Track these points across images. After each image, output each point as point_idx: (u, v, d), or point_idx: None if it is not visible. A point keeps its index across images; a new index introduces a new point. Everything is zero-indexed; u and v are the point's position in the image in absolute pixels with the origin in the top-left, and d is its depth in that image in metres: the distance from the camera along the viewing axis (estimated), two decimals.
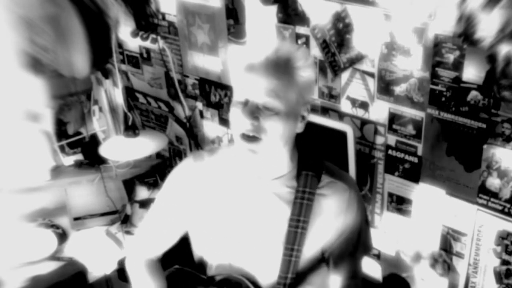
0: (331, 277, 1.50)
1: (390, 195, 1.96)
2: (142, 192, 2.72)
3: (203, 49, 2.38)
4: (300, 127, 1.39)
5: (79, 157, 2.75)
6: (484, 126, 1.63)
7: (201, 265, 1.56)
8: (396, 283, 2.02)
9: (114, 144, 2.43)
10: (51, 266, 2.27)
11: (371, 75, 1.85)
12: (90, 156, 2.72)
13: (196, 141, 2.63)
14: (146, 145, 2.37)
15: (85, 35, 2.28)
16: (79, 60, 2.32)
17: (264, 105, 1.30)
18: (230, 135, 2.43)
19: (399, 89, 1.79)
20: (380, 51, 1.79)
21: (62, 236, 2.47)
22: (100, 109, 2.79)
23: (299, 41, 1.99)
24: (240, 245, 1.47)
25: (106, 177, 2.65)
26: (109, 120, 2.82)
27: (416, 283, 1.98)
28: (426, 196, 1.86)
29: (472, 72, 1.60)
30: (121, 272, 2.31)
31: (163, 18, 2.48)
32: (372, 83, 1.85)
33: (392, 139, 1.88)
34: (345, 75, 1.92)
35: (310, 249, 1.44)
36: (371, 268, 2.08)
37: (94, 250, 2.42)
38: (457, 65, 1.63)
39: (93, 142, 2.75)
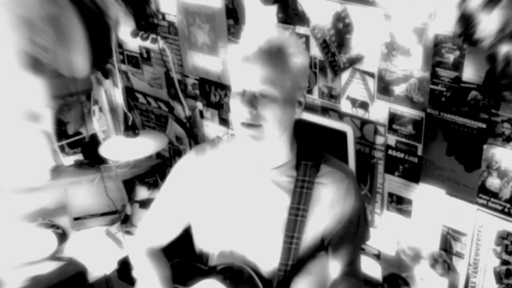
0: (330, 264, 1.52)
1: (390, 195, 1.96)
2: (142, 192, 2.73)
3: (203, 49, 2.38)
4: (298, 113, 1.44)
5: (79, 157, 2.75)
6: (484, 126, 1.63)
7: (203, 258, 1.59)
8: (396, 283, 2.03)
9: (114, 144, 2.43)
10: (51, 266, 2.27)
11: (371, 75, 1.85)
12: (90, 156, 2.71)
13: (196, 141, 2.63)
14: (146, 145, 2.38)
15: (85, 35, 2.28)
16: (79, 60, 2.32)
17: (260, 93, 1.34)
18: (230, 135, 2.43)
19: (399, 89, 1.79)
20: (380, 51, 1.79)
21: (62, 236, 2.47)
22: (100, 109, 2.79)
23: (299, 41, 1.99)
24: (242, 234, 1.51)
25: (106, 177, 2.65)
26: (109, 120, 2.82)
27: (416, 283, 1.98)
28: (426, 196, 1.86)
29: (472, 72, 1.60)
30: (121, 272, 2.31)
31: (163, 18, 2.48)
32: (372, 83, 1.85)
33: (392, 139, 1.88)
34: (345, 75, 1.92)
35: (310, 237, 1.48)
36: (371, 268, 2.08)
37: (94, 250, 2.42)
38: (457, 65, 1.63)
39: (93, 142, 2.75)
